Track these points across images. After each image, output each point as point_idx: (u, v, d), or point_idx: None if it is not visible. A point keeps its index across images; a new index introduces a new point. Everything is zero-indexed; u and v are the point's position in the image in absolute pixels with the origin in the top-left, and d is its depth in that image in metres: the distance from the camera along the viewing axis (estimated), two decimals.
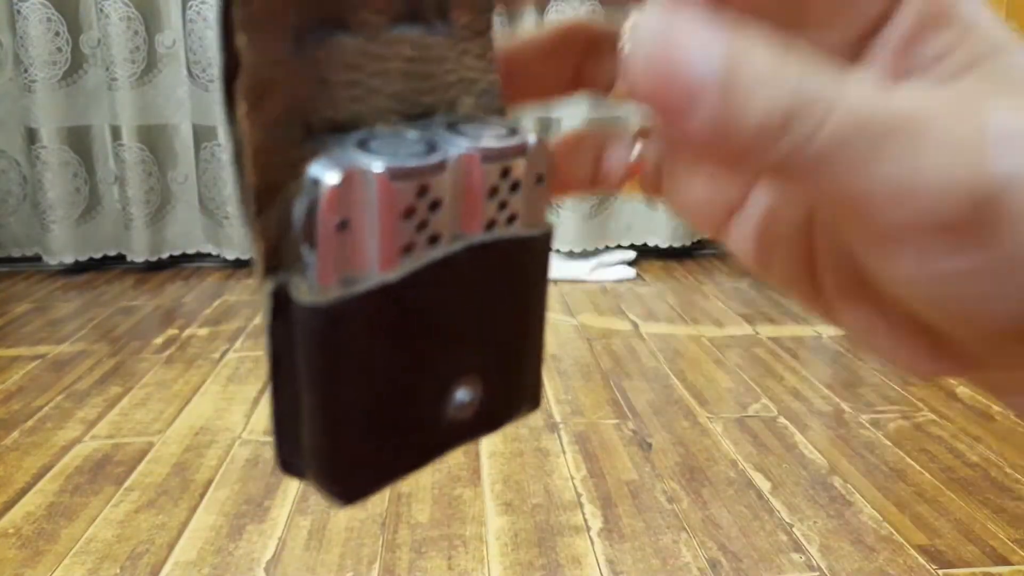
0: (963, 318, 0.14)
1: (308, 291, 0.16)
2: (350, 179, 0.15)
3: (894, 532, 1.00)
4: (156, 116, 2.18)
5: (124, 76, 2.10)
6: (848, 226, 0.15)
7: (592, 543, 0.98)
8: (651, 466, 1.16)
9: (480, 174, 0.17)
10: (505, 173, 0.17)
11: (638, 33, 0.13)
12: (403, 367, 0.17)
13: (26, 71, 2.07)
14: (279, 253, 0.16)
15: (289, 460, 0.17)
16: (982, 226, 0.13)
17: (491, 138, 0.17)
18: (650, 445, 1.22)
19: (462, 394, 0.18)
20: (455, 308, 0.17)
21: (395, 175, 0.15)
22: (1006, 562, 0.94)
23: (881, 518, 1.03)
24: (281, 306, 0.16)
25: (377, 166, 0.15)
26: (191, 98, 2.17)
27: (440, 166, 0.16)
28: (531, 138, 0.18)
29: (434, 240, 0.16)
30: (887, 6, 0.16)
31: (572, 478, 1.12)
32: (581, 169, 0.20)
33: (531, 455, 1.18)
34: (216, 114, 2.15)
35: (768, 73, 0.13)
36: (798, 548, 0.97)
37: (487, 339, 0.18)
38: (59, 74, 2.11)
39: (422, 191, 0.16)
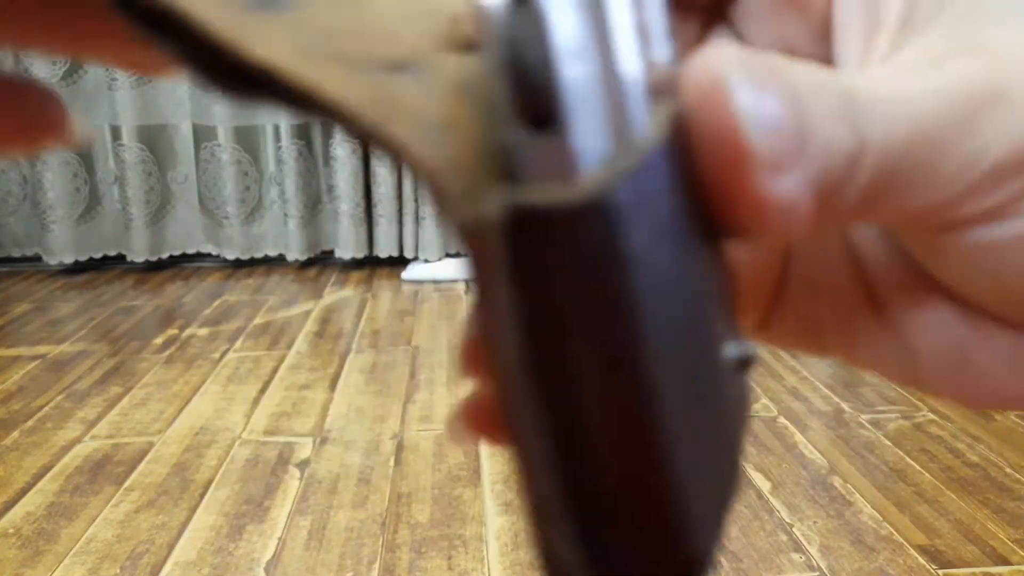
0: None
1: (565, 186, 0.09)
2: None
3: (894, 532, 1.00)
4: (156, 116, 2.18)
5: (124, 76, 2.10)
6: (914, 229, 0.14)
7: None
8: None
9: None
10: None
11: (749, 88, 0.11)
12: (695, 291, 0.11)
13: (25, 71, 2.07)
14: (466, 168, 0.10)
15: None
16: None
17: None
18: None
19: (733, 347, 0.12)
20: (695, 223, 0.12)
21: None
22: (1006, 562, 0.94)
23: (881, 518, 1.03)
24: (523, 234, 0.09)
25: None
26: (191, 98, 2.17)
27: None
28: None
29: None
30: None
31: None
32: None
33: None
34: (216, 114, 2.15)
35: (817, 91, 0.11)
36: (798, 548, 0.97)
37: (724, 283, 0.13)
38: (59, 74, 2.11)
39: None
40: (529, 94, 0.09)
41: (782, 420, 1.31)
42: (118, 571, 0.92)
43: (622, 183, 0.09)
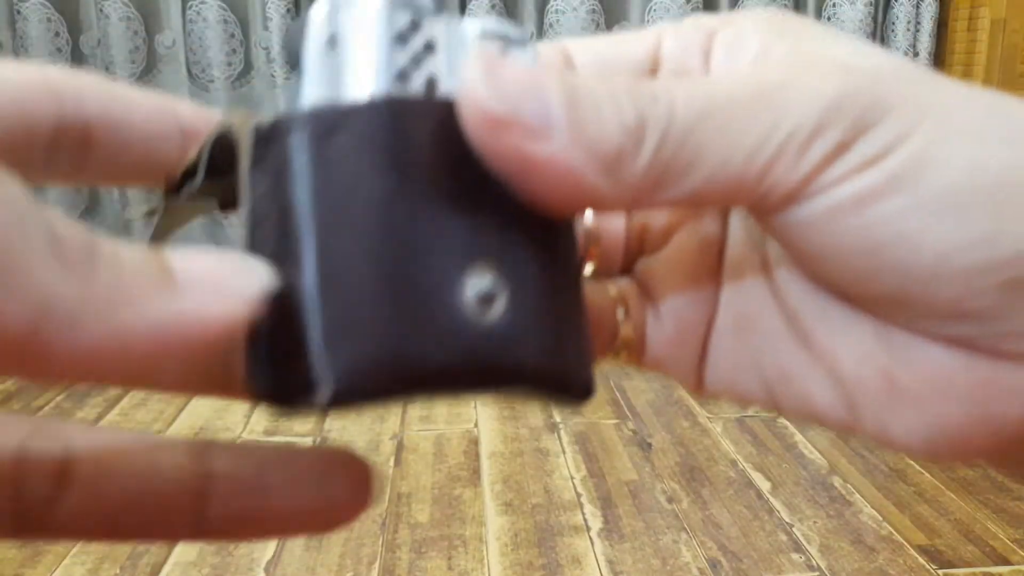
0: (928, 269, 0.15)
1: (297, 116, 0.14)
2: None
3: (894, 532, 1.00)
4: None
5: (124, 76, 2.10)
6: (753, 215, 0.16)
7: (592, 543, 0.98)
8: (651, 466, 1.16)
9: (476, 38, 0.16)
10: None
11: (473, 77, 0.14)
12: (405, 216, 0.14)
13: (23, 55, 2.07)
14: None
15: (265, 363, 0.14)
16: (862, 130, 0.14)
17: (501, 25, 0.16)
18: (650, 445, 1.22)
19: (478, 283, 0.14)
20: (468, 174, 0.15)
21: (394, 3, 0.15)
22: (1006, 562, 0.95)
23: (881, 518, 1.03)
24: (264, 144, 0.14)
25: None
26: (191, 98, 2.17)
27: (435, 7, 0.15)
28: (535, 49, 0.17)
29: (431, 85, 0.15)
30: (648, 69, 0.18)
31: (572, 478, 1.12)
32: None
33: (531, 455, 1.18)
34: (215, 115, 2.15)
35: (604, 90, 0.14)
36: (798, 548, 0.97)
37: (513, 239, 0.15)
38: None
39: (414, 25, 0.15)
40: (297, 49, 0.14)
41: (782, 420, 1.31)
42: (118, 571, 0.92)
43: (327, 117, 0.14)
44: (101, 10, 2.08)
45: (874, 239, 0.15)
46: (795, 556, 0.95)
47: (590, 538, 0.98)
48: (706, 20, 0.18)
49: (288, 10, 2.12)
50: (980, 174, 0.14)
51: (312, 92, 0.14)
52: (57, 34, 2.12)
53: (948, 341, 0.16)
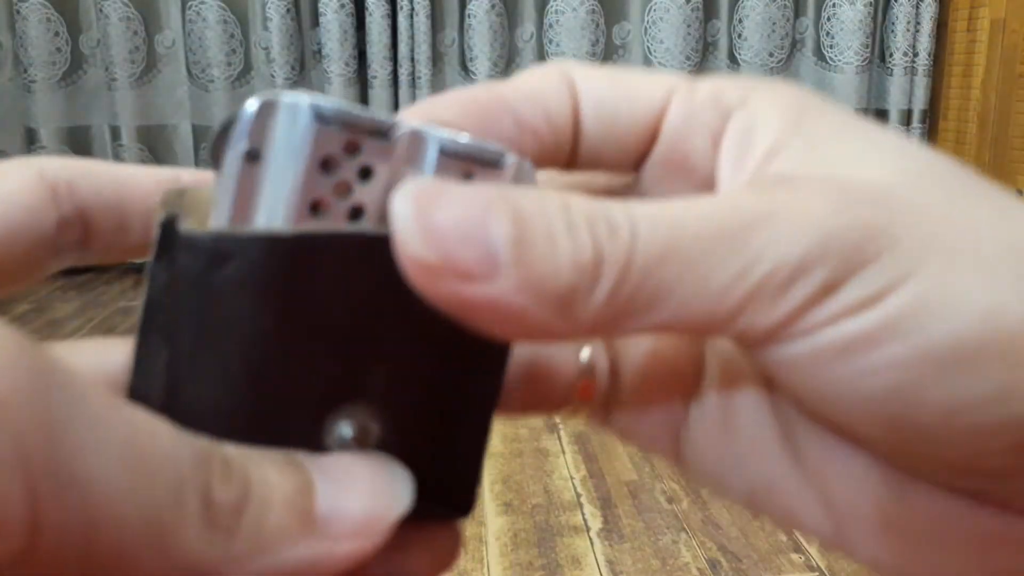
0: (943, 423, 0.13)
1: (196, 223, 0.13)
2: (271, 106, 0.13)
3: None
4: (155, 116, 2.18)
5: (123, 76, 2.10)
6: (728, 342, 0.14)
7: (592, 543, 0.98)
8: (651, 466, 1.16)
9: (432, 161, 0.14)
10: (468, 177, 0.15)
11: (401, 220, 0.12)
12: (285, 351, 0.14)
13: (25, 71, 2.07)
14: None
15: None
16: (853, 268, 0.13)
17: (469, 139, 0.15)
18: None
19: (345, 427, 0.14)
20: (368, 311, 0.14)
21: (321, 115, 0.13)
22: None
23: None
24: (167, 241, 0.13)
25: (304, 100, 0.13)
26: (191, 98, 2.17)
27: (380, 129, 0.14)
28: (512, 156, 0.15)
29: (356, 214, 0.14)
30: (647, 134, 0.16)
31: (572, 478, 1.12)
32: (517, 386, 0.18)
33: (531, 455, 1.18)
34: (215, 115, 2.15)
35: (558, 220, 0.13)
36: (797, 548, 0.97)
37: (403, 374, 0.15)
38: (58, 74, 2.11)
39: (351, 148, 0.14)
40: (217, 153, 0.14)
41: None
42: None
43: (223, 238, 0.13)
44: (101, 10, 2.08)
45: (867, 390, 0.13)
46: (795, 556, 0.95)
47: (590, 538, 0.99)
48: (723, 93, 0.16)
49: (288, 10, 2.12)
50: (993, 323, 0.13)
51: (223, 205, 0.13)
52: (57, 34, 2.11)
53: (954, 489, 0.15)
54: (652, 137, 0.17)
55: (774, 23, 2.12)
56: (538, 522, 1.02)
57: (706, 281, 0.13)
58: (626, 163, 0.17)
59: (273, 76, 2.11)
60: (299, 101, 0.13)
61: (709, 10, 2.14)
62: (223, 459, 0.12)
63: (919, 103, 2.10)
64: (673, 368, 0.18)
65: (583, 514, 1.04)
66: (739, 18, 2.15)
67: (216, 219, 0.13)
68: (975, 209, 0.14)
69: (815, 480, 0.16)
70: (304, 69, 2.17)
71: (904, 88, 2.10)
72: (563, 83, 0.16)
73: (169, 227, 0.13)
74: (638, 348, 0.19)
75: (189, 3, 2.10)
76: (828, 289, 0.13)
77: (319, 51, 2.16)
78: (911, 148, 0.15)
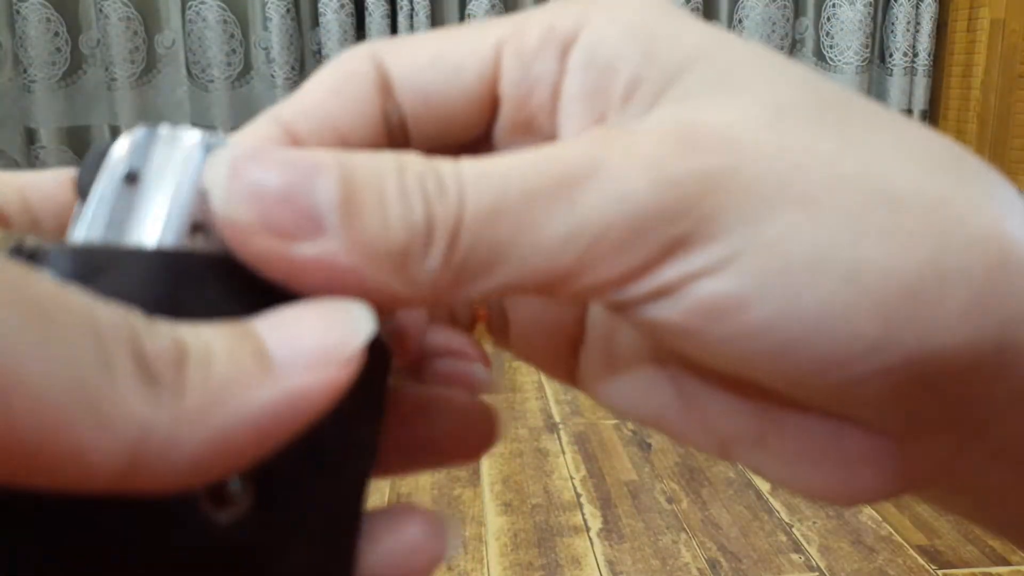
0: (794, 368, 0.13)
1: (58, 249, 0.12)
2: (151, 134, 0.13)
3: (893, 532, 1.00)
4: (155, 116, 2.18)
5: (123, 76, 2.10)
6: (586, 299, 0.14)
7: (592, 543, 0.98)
8: (651, 466, 1.16)
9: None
10: None
11: (214, 174, 0.12)
12: None
13: (25, 71, 2.07)
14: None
15: None
16: (696, 225, 0.12)
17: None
18: (650, 445, 1.22)
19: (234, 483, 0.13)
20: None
21: (210, 147, 0.13)
22: (1005, 562, 0.95)
23: (880, 518, 1.03)
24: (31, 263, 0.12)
25: (193, 135, 0.13)
26: (190, 98, 2.17)
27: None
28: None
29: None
30: (484, 104, 0.16)
31: (572, 478, 1.12)
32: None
33: (531, 455, 1.18)
34: (215, 116, 2.15)
35: (389, 176, 0.12)
36: (797, 548, 0.97)
37: None
38: (58, 74, 2.11)
39: None
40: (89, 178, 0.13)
41: None
42: None
43: (77, 254, 0.12)
44: (101, 10, 2.08)
45: (747, 348, 0.13)
46: (795, 556, 0.95)
47: (590, 538, 0.99)
48: (555, 27, 0.15)
49: (288, 10, 2.12)
50: (858, 282, 0.12)
51: (91, 227, 0.13)
52: (57, 34, 2.12)
53: (830, 415, 0.15)
54: (492, 104, 0.16)
55: (774, 23, 2.12)
56: (538, 522, 1.02)
57: (539, 240, 0.12)
58: (469, 137, 0.16)
59: (273, 76, 2.11)
60: (180, 132, 0.13)
61: (708, 10, 2.14)
62: (145, 320, 0.11)
63: (919, 103, 2.09)
64: (556, 321, 0.18)
65: (583, 514, 1.04)
66: (739, 18, 2.15)
67: (86, 234, 0.13)
68: (846, 148, 0.13)
69: (697, 413, 0.17)
70: (304, 69, 2.17)
71: (904, 88, 2.10)
72: (368, 78, 0.15)
73: (28, 250, 0.12)
74: (520, 301, 0.18)
75: (189, 3, 2.10)
76: (673, 247, 0.12)
77: (319, 51, 2.16)
78: (777, 74, 0.14)
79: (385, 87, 0.15)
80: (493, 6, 2.12)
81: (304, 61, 2.19)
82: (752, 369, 0.14)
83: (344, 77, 0.15)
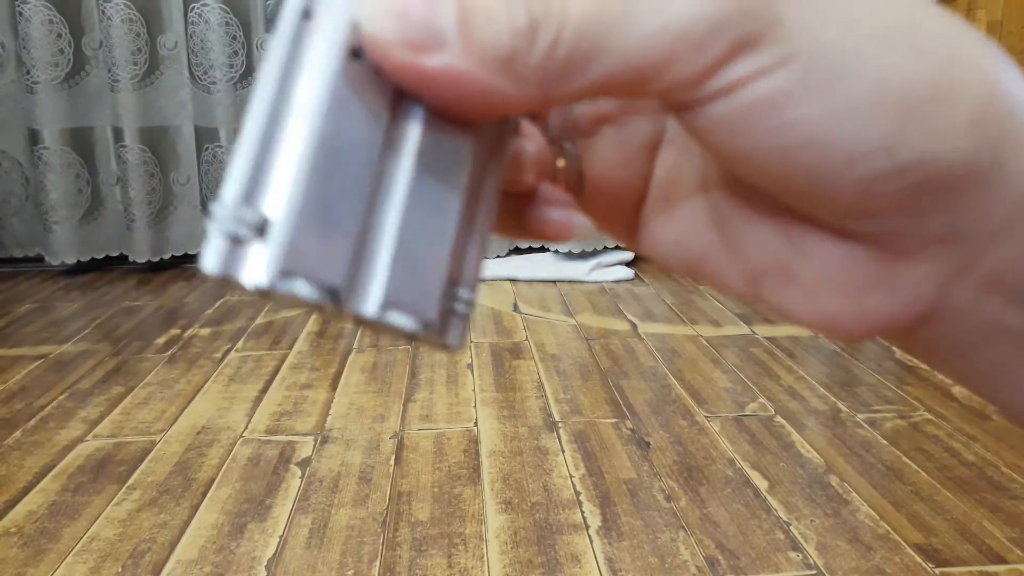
0: (831, 172, 0.16)
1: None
2: None
3: (891, 531, 1.01)
4: (158, 118, 2.19)
5: (126, 78, 2.11)
6: (652, 99, 0.17)
7: (591, 541, 0.98)
8: (649, 465, 1.16)
9: None
10: None
11: (367, 6, 0.15)
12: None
13: (28, 73, 2.08)
14: None
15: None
16: (763, 28, 0.15)
17: None
18: (648, 444, 1.23)
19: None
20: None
21: None
22: (1003, 560, 0.95)
23: (878, 517, 1.04)
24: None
25: None
26: (193, 100, 2.18)
27: None
28: None
29: None
30: None
31: (571, 476, 1.13)
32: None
33: (530, 454, 1.19)
34: (218, 116, 2.16)
35: (497, 0, 0.15)
36: (795, 546, 0.97)
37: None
38: (61, 76, 2.12)
39: None
40: None
41: (779, 419, 1.31)
42: (120, 570, 0.92)
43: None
44: (103, 12, 2.08)
45: (786, 142, 0.16)
46: (792, 554, 0.96)
47: (589, 536, 0.99)
48: None
49: None
50: (886, 84, 0.15)
51: (279, 47, 0.16)
52: (59, 36, 2.12)
53: (846, 236, 0.18)
54: None
55: None
56: (537, 520, 1.02)
57: (631, 38, 0.15)
58: None
59: None
60: None
61: None
62: None
63: None
64: (626, 176, 0.22)
65: (582, 512, 1.04)
66: None
67: (276, 53, 0.16)
68: None
69: (734, 249, 0.20)
70: None
71: None
72: None
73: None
74: (599, 161, 0.22)
75: (191, 5, 2.11)
76: (741, 47, 0.15)
77: None
78: None
79: None
80: None
81: None
82: (784, 167, 0.16)
83: None
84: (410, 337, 0.18)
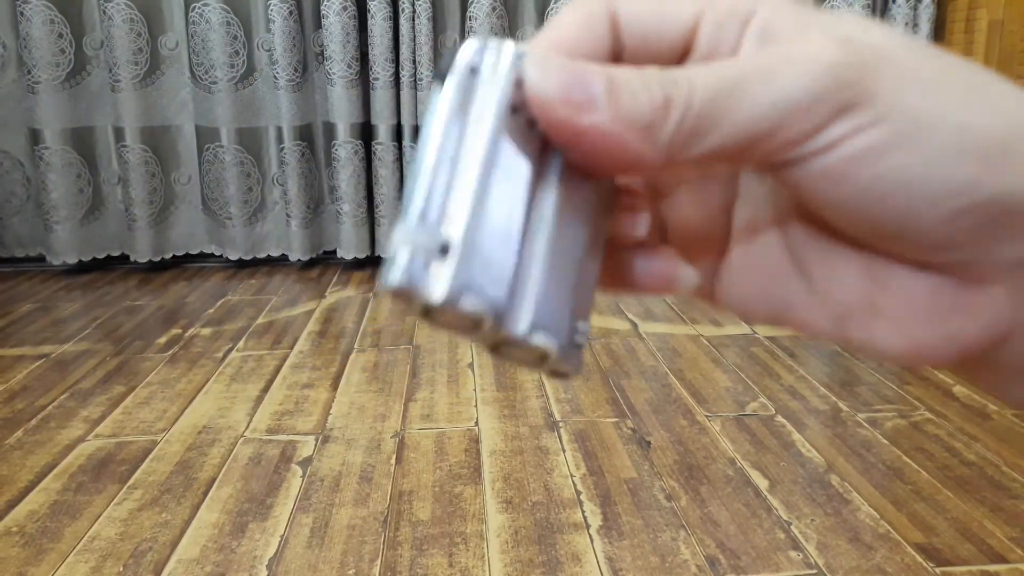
0: (915, 215, 0.18)
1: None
2: (487, 43, 0.19)
3: (891, 530, 1.01)
4: (159, 118, 2.19)
5: (127, 78, 2.11)
6: (762, 165, 0.19)
7: (592, 540, 0.98)
8: (650, 464, 1.17)
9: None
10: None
11: (533, 72, 0.18)
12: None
13: (29, 73, 2.08)
14: None
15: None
16: (859, 95, 0.18)
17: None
18: (649, 443, 1.23)
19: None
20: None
21: (521, 55, 0.19)
22: (1003, 560, 0.95)
23: (878, 516, 1.04)
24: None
25: (510, 45, 0.19)
26: (194, 100, 2.18)
27: None
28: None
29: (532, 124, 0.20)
30: (681, 49, 0.21)
31: (572, 476, 1.13)
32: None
33: (531, 453, 1.19)
34: (219, 116, 2.16)
35: (636, 77, 0.18)
36: (796, 546, 0.97)
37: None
38: (62, 76, 2.12)
39: None
40: None
41: (780, 419, 1.31)
42: (121, 569, 0.93)
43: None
44: (104, 12, 2.09)
45: (881, 188, 0.18)
46: (793, 554, 0.96)
47: (589, 535, 0.99)
48: (738, 5, 0.21)
49: (291, 12, 2.13)
50: (967, 135, 0.18)
51: (450, 100, 0.18)
52: (60, 36, 2.13)
53: (928, 268, 0.20)
54: (686, 51, 0.21)
55: None
56: (538, 519, 1.02)
57: (749, 109, 0.18)
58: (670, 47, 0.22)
59: (276, 78, 2.12)
60: (503, 43, 0.19)
61: None
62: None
63: None
64: (707, 226, 0.24)
65: (583, 511, 1.04)
66: None
67: (446, 105, 0.19)
68: (946, 61, 0.19)
69: (819, 292, 0.22)
70: (307, 71, 2.18)
71: None
72: (604, 19, 0.21)
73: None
74: (681, 215, 0.24)
75: (192, 5, 2.11)
76: (840, 111, 0.18)
77: (322, 53, 2.17)
78: (896, 32, 0.20)
79: (615, 27, 0.21)
80: (494, 8, 2.12)
81: (307, 62, 2.20)
82: (878, 209, 0.18)
83: (585, 17, 0.21)
84: (541, 360, 0.20)
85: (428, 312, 0.17)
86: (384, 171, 2.20)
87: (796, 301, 0.22)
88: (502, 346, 0.19)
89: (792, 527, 1.01)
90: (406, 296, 0.17)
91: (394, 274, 0.17)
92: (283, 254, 2.30)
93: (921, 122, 0.18)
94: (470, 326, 0.18)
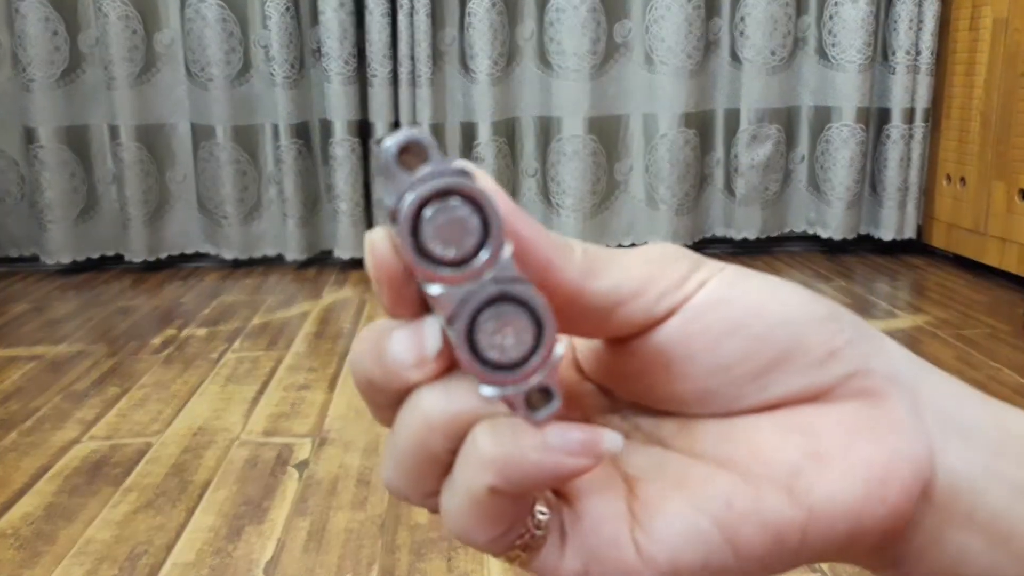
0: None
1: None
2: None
3: None
4: (154, 115, 2.17)
5: (122, 75, 2.10)
6: None
7: None
8: None
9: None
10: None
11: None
12: None
13: (24, 70, 2.06)
14: None
15: None
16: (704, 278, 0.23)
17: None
18: None
19: None
20: None
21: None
22: None
23: None
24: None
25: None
26: (189, 97, 2.17)
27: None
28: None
29: None
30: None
31: None
32: None
33: None
34: (214, 114, 2.15)
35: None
36: None
37: None
38: (57, 73, 2.10)
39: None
40: None
41: None
42: (116, 572, 0.91)
43: None
44: (99, 9, 2.07)
45: (717, 346, 0.22)
46: None
47: None
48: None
49: (287, 8, 2.11)
50: (759, 314, 0.22)
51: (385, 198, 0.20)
52: (55, 33, 2.11)
53: (829, 399, 0.22)
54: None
55: (776, 21, 2.11)
56: None
57: (633, 273, 0.22)
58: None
59: (272, 75, 2.11)
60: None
61: (711, 8, 2.13)
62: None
63: (922, 101, 2.09)
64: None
65: None
66: (741, 16, 2.14)
67: None
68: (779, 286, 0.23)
69: (756, 461, 0.23)
70: (303, 67, 2.17)
71: (907, 86, 2.09)
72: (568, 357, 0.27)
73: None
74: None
75: (188, 1, 2.09)
76: (686, 279, 0.22)
77: (319, 49, 2.15)
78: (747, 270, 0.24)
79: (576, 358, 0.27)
80: (493, 4, 2.11)
81: (303, 59, 2.18)
82: (761, 343, 0.22)
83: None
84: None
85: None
86: None
87: (755, 498, 0.22)
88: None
89: None
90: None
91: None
92: (279, 253, 2.28)
93: (732, 288, 0.22)
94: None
